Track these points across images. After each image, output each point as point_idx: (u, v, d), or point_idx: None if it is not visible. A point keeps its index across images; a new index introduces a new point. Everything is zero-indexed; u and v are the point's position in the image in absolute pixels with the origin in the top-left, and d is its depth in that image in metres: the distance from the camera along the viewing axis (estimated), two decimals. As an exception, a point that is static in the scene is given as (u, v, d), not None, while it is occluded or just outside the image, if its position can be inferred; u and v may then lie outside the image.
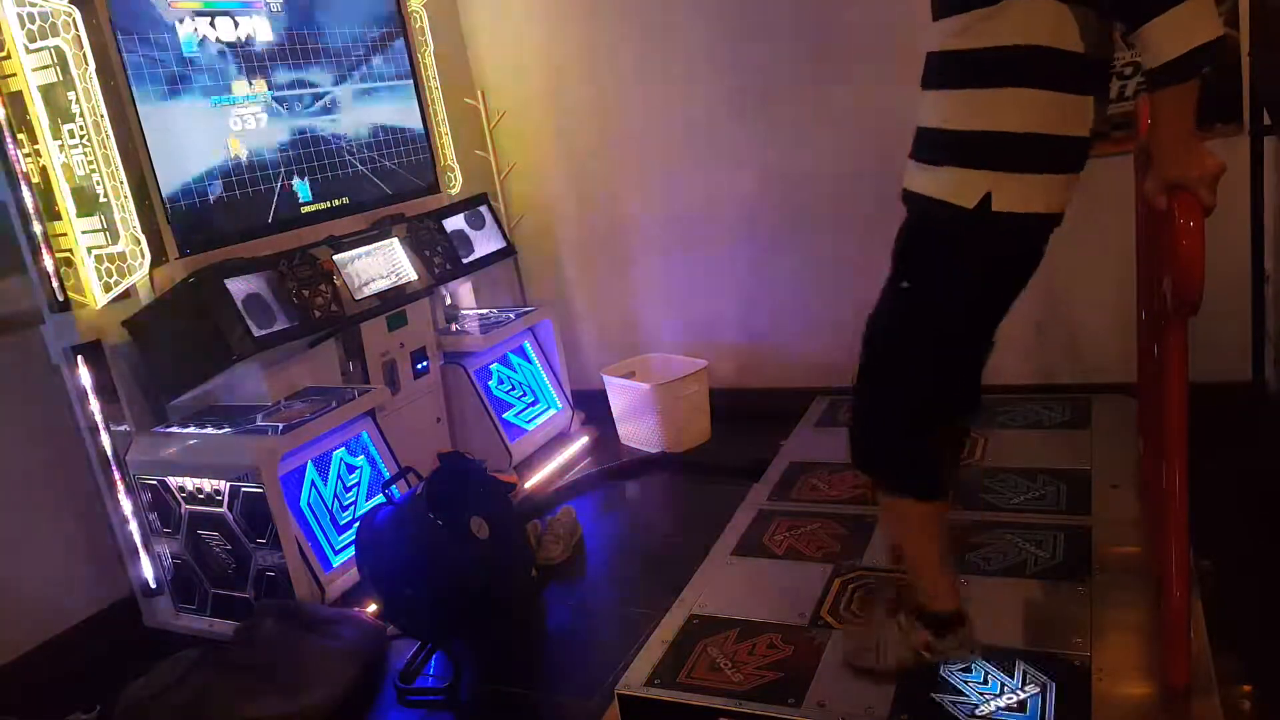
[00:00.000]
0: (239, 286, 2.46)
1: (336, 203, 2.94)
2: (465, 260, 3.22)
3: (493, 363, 3.37)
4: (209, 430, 2.52)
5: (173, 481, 2.50)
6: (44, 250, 2.36)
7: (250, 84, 2.68)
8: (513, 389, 3.41)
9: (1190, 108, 1.34)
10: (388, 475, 2.64)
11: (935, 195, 1.51)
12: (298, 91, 2.83)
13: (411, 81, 3.27)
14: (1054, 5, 1.39)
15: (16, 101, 2.27)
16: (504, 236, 3.45)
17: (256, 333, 2.43)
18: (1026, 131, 1.44)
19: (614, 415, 3.54)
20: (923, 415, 1.68)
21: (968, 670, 1.71)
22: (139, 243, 2.35)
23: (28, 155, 2.31)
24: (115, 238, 2.34)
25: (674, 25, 3.38)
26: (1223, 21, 2.64)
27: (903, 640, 1.74)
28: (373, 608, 2.44)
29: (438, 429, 3.19)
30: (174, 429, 2.56)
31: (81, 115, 2.27)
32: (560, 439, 3.49)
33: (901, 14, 2.98)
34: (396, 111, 3.21)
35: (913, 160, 1.56)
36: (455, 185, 3.47)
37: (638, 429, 3.44)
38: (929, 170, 1.52)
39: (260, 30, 2.72)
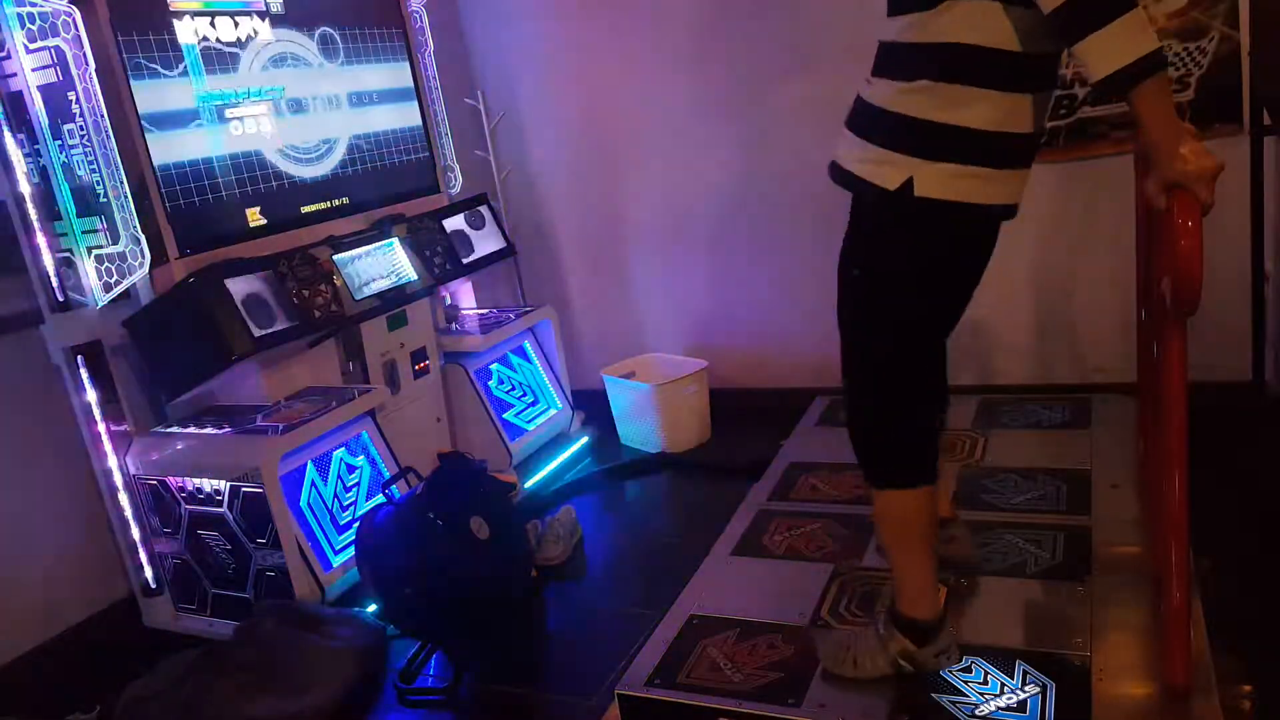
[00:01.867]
0: (239, 286, 2.46)
1: (336, 203, 2.94)
2: (465, 260, 3.22)
3: (493, 363, 3.37)
4: (209, 430, 2.52)
5: (173, 481, 2.50)
6: (44, 250, 2.36)
7: (250, 84, 2.68)
8: (513, 389, 3.41)
9: (1167, 106, 1.35)
10: (388, 475, 2.64)
11: (862, 175, 1.55)
12: (297, 91, 2.83)
13: (411, 81, 3.27)
14: (989, 5, 1.41)
15: (16, 101, 2.27)
16: (504, 236, 3.45)
17: (256, 333, 2.43)
18: (949, 123, 1.46)
19: (614, 415, 3.54)
20: (902, 402, 1.66)
21: (968, 670, 1.71)
22: (139, 243, 2.35)
23: (28, 155, 2.31)
24: (115, 238, 2.34)
25: (673, 24, 3.38)
26: (1221, 21, 2.65)
27: (880, 648, 1.71)
28: (373, 608, 2.44)
29: (438, 429, 3.19)
30: (174, 429, 2.56)
31: (81, 115, 2.27)
32: (560, 439, 3.49)
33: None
34: (396, 111, 3.21)
35: (847, 129, 1.59)
36: (455, 185, 3.47)
37: (638, 429, 3.44)
38: (860, 145, 1.56)
39: (260, 30, 2.72)
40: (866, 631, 1.77)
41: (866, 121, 1.56)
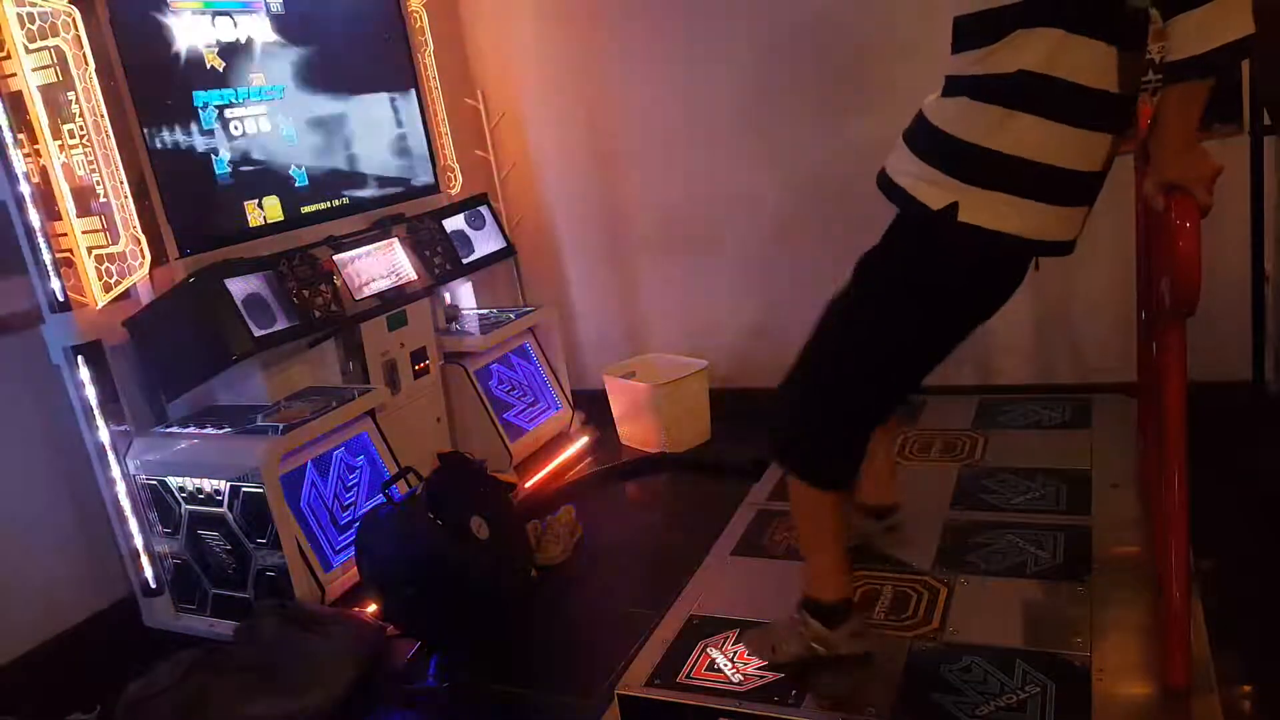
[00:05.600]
0: (239, 286, 2.46)
1: (336, 203, 2.94)
2: (465, 260, 3.22)
3: (493, 363, 3.37)
4: (209, 430, 2.52)
5: (173, 481, 2.50)
6: (44, 250, 2.36)
7: (250, 84, 2.68)
8: (513, 389, 3.41)
9: (1197, 109, 1.35)
10: (388, 475, 2.65)
11: (908, 189, 1.52)
12: (298, 91, 2.83)
13: (412, 81, 3.27)
14: (1056, 34, 1.38)
15: (16, 101, 2.27)
16: (504, 236, 3.45)
17: (256, 333, 2.43)
18: (1004, 151, 1.44)
19: (614, 415, 3.54)
20: (849, 413, 1.68)
21: (968, 670, 1.71)
22: (139, 243, 2.35)
23: (28, 155, 2.31)
24: (115, 238, 2.34)
25: (673, 25, 3.38)
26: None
27: (796, 635, 1.77)
28: (373, 608, 2.44)
29: (438, 429, 3.19)
30: (174, 429, 2.56)
31: (81, 115, 2.27)
32: (560, 439, 3.49)
33: (902, 21, 2.98)
34: (396, 111, 3.21)
35: (903, 141, 1.57)
36: (455, 185, 3.47)
37: (638, 429, 3.44)
38: (912, 160, 1.53)
39: (260, 30, 2.72)
40: (783, 620, 1.82)
41: (923, 139, 1.53)
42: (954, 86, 1.50)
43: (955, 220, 1.46)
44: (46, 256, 2.36)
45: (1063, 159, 1.46)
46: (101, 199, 2.32)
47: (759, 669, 1.81)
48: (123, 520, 2.55)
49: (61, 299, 2.38)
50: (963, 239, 1.48)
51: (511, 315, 3.43)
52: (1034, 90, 1.41)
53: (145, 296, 2.46)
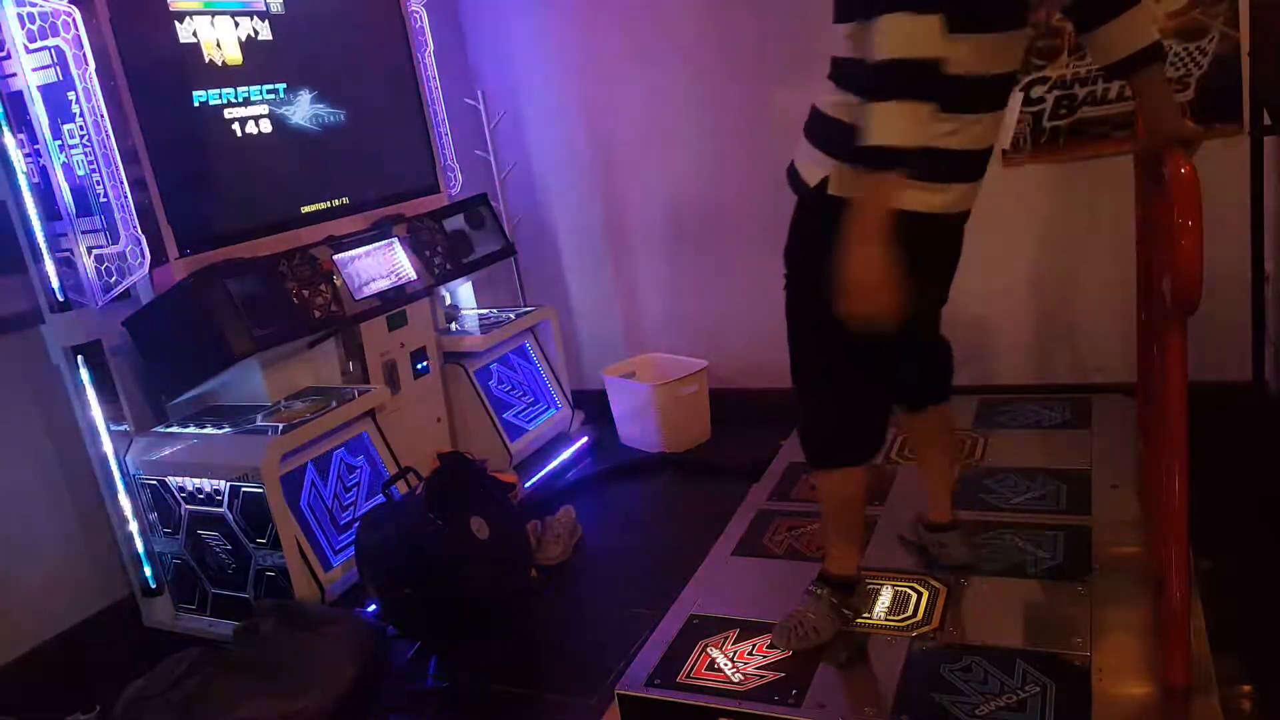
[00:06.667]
0: (239, 286, 2.46)
1: (336, 203, 2.93)
2: (465, 260, 3.22)
3: (493, 363, 3.37)
4: (209, 430, 2.52)
5: (173, 481, 2.50)
6: (44, 250, 2.36)
7: (250, 83, 2.68)
8: (513, 389, 3.41)
9: (1158, 81, 1.61)
10: (388, 475, 2.64)
11: (797, 169, 1.67)
12: (298, 91, 2.82)
13: (412, 81, 3.27)
14: (921, 20, 1.35)
15: (16, 101, 2.27)
16: (504, 236, 3.45)
17: (256, 333, 2.43)
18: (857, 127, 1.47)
19: (614, 415, 3.54)
20: (828, 385, 1.77)
21: (968, 670, 1.71)
22: (139, 243, 2.34)
23: (28, 155, 2.31)
24: (115, 238, 2.34)
25: (675, 26, 3.38)
26: (1221, 21, 2.65)
27: (824, 608, 1.87)
28: (373, 608, 2.44)
29: (438, 429, 3.19)
30: (174, 429, 2.56)
31: (81, 115, 2.27)
32: (560, 439, 3.49)
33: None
34: (396, 111, 3.21)
35: (803, 133, 1.71)
36: (455, 185, 3.47)
37: (638, 429, 3.44)
38: (803, 144, 1.68)
39: (260, 30, 2.72)
40: (807, 603, 1.90)
41: (810, 122, 1.67)
42: (834, 69, 1.64)
43: (826, 193, 1.57)
44: (46, 256, 2.36)
45: (931, 139, 1.46)
46: (101, 199, 2.32)
47: (758, 667, 1.81)
48: (123, 520, 2.55)
49: (61, 299, 2.38)
50: (836, 210, 1.50)
51: (511, 315, 3.43)
52: (897, 74, 1.40)
53: (145, 296, 2.46)
